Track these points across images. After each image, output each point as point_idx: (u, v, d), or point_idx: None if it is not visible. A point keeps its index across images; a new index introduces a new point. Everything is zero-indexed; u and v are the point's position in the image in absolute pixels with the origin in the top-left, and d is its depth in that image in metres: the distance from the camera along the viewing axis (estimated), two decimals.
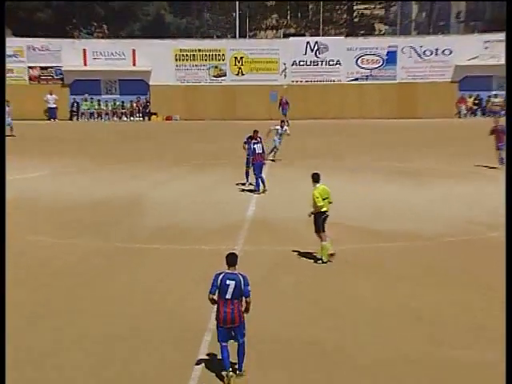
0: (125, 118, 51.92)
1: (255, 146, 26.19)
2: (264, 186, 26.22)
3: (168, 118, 50.75)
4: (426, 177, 29.61)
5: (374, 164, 31.42)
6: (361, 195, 26.50)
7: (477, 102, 50.59)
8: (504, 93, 49.78)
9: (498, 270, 17.94)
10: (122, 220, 23.32)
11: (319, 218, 18.25)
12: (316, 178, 18.40)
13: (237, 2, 60.61)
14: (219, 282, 11.90)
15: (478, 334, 14.55)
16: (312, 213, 18.20)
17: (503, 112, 49.60)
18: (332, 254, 18.22)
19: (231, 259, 12.18)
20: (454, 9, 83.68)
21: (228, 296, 11.86)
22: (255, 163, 26.11)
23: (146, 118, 51.86)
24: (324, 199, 18.19)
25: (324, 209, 18.17)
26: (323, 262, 18.17)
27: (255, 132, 27.08)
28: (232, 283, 11.90)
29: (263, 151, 26.59)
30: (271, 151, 31.60)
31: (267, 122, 46.14)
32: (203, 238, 20.88)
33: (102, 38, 65.53)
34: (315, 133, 43.42)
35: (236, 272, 12.08)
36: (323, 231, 18.27)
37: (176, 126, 48.48)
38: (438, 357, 13.48)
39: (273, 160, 31.77)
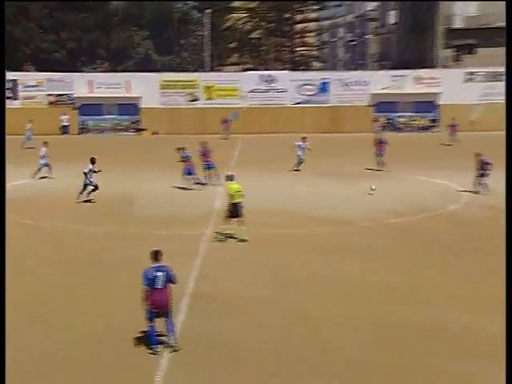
0: (123, 133, 51.58)
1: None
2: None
3: (154, 133, 50.52)
4: (349, 176, 29.82)
5: (314, 167, 31.55)
6: (303, 190, 26.63)
7: (388, 121, 50.92)
8: (407, 114, 50.49)
9: (408, 250, 18.19)
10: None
11: (232, 208, 18.55)
12: (229, 178, 19.22)
13: (208, 44, 60.48)
14: (149, 275, 11.31)
15: (390, 296, 14.67)
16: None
17: (407, 128, 50.20)
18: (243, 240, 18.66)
19: (157, 255, 11.55)
20: (370, 51, 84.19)
21: (159, 286, 11.30)
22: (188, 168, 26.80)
23: (138, 132, 51.59)
24: (237, 193, 18.56)
25: (236, 200, 18.46)
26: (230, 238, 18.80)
27: (203, 143, 28.40)
28: (161, 274, 11.33)
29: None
30: (298, 163, 31.63)
31: (232, 136, 46.30)
32: (180, 225, 20.88)
33: (104, 71, 65.24)
34: (268, 144, 43.52)
35: (162, 264, 11.51)
36: (238, 216, 18.68)
37: (160, 139, 48.32)
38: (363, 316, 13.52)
39: (298, 170, 31.59)
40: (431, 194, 25.85)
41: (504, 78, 49.12)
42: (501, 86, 48.79)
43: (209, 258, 17.30)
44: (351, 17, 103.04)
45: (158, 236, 19.01)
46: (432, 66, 55.78)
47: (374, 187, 25.20)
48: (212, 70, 61.93)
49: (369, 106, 50.45)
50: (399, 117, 50.79)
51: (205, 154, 28.17)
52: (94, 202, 24.25)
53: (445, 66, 55.73)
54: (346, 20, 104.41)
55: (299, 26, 77.93)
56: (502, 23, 56.76)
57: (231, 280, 15.46)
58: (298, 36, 77.70)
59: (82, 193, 24.32)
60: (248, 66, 72.30)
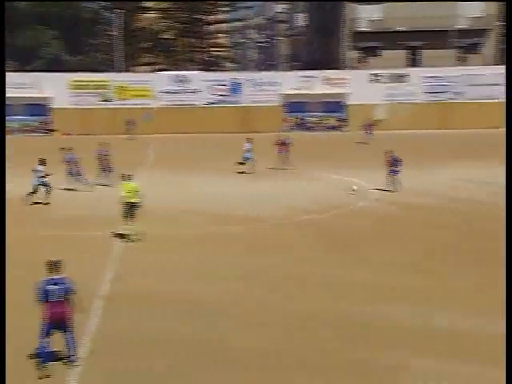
0: (32, 134, 50.40)
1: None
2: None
3: (65, 134, 49.53)
4: (259, 174, 30.12)
5: (226, 167, 31.72)
6: (216, 190, 26.76)
7: (298, 120, 51.64)
8: (317, 113, 51.34)
9: (317, 245, 18.62)
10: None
11: (126, 207, 18.62)
12: (125, 177, 19.26)
13: (119, 44, 59.92)
14: (44, 288, 10.49)
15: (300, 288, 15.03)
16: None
17: (316, 128, 51.00)
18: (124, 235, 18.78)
19: (54, 266, 10.73)
20: (280, 52, 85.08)
21: (55, 298, 10.50)
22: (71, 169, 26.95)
23: (49, 133, 50.54)
24: (132, 192, 18.67)
25: (131, 200, 18.56)
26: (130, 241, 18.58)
27: (102, 144, 28.87)
28: (56, 287, 10.54)
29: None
30: (251, 165, 30.87)
31: (143, 136, 46.02)
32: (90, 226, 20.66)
33: (12, 71, 63.21)
34: (181, 144, 43.50)
35: (60, 276, 10.69)
36: (130, 217, 18.64)
37: (72, 139, 47.37)
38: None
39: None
40: (341, 191, 26.44)
41: (407, 78, 50.98)
42: (403, 87, 50.45)
43: (121, 258, 17.26)
44: (261, 19, 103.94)
45: (69, 237, 18.84)
46: (339, 67, 56.91)
47: (355, 187, 25.71)
48: (124, 70, 61.31)
49: (280, 106, 51.07)
50: (309, 116, 51.62)
51: (102, 155, 28.18)
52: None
53: (351, 67, 56.96)
54: (256, 22, 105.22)
55: (211, 27, 78.01)
56: (403, 27, 58.87)
57: (145, 279, 15.47)
58: (209, 37, 77.78)
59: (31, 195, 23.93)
60: (160, 66, 71.84)
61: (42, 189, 24.16)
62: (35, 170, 24.15)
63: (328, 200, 24.89)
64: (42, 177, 24.08)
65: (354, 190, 25.37)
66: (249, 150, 31.08)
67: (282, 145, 32.34)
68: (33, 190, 24.01)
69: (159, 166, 32.92)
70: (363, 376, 10.74)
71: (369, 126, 43.88)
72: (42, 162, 24.28)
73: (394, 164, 26.00)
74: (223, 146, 41.00)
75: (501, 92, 49.70)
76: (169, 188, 27.13)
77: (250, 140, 31.23)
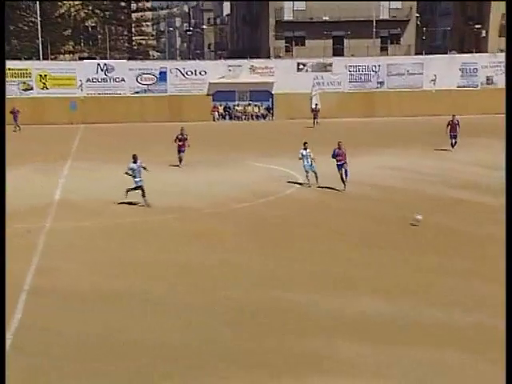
0: None
1: None
2: None
3: None
4: (188, 165, 29.80)
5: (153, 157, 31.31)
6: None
7: (226, 109, 51.45)
8: (244, 102, 51.23)
9: (248, 233, 18.55)
10: None
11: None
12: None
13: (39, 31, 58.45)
14: None
15: (235, 276, 14.94)
16: None
17: (244, 117, 50.94)
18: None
19: None
20: (207, 41, 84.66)
21: None
22: None
23: None
24: None
25: None
26: None
27: None
28: None
29: None
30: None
31: (67, 126, 45.11)
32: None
33: None
34: (107, 134, 42.81)
35: None
36: None
37: None
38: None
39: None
40: (271, 179, 26.42)
41: (331, 68, 51.33)
42: (327, 76, 50.77)
43: (48, 251, 16.84)
44: (187, 7, 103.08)
45: None
46: (265, 56, 56.89)
47: (419, 217, 19.30)
48: (46, 58, 59.71)
49: (207, 95, 50.69)
50: (236, 105, 51.45)
51: None
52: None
53: (277, 57, 57.03)
54: (182, 10, 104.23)
55: (135, 15, 76.88)
56: (327, 17, 59.33)
57: (72, 272, 15.12)
58: (134, 25, 76.65)
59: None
60: (84, 54, 70.40)
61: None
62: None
63: (256, 188, 24.81)
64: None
65: (418, 221, 19.27)
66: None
67: (180, 141, 29.83)
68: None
69: (85, 157, 32.21)
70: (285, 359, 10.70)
71: (315, 113, 44.25)
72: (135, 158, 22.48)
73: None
74: (151, 135, 40.49)
75: (420, 81, 51.04)
76: (95, 179, 26.57)
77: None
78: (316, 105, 46.25)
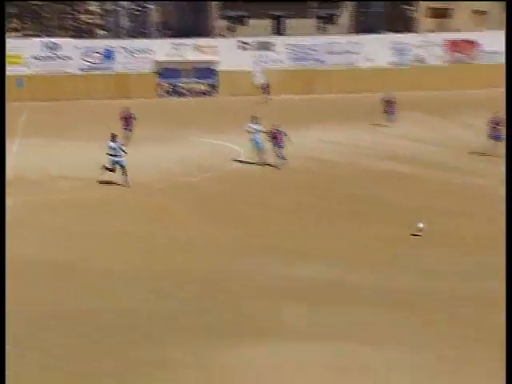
0: None
1: None
2: None
3: None
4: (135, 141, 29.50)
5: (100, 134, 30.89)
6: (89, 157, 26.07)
7: (172, 87, 50.88)
8: (189, 80, 50.75)
9: (194, 207, 18.56)
10: None
11: None
12: None
13: None
14: None
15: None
16: None
17: (189, 93, 50.50)
18: None
19: None
20: (152, 20, 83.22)
21: None
22: None
23: None
24: None
25: None
26: None
27: None
28: None
29: None
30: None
31: (14, 104, 44.09)
32: None
33: None
34: (55, 111, 42.01)
35: None
36: None
37: None
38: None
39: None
40: (216, 155, 26.40)
41: (272, 46, 51.25)
42: (270, 55, 50.68)
43: None
44: None
45: None
46: (210, 35, 56.39)
47: (421, 225, 16.91)
48: None
49: (153, 72, 50.06)
50: (182, 83, 50.94)
51: None
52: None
53: (221, 35, 56.59)
54: None
55: None
56: None
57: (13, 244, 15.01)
58: (80, 3, 75.01)
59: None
60: (30, 32, 68.60)
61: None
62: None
63: (202, 163, 24.77)
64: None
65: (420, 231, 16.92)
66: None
67: (127, 118, 28.89)
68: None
69: (32, 134, 31.57)
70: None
71: (266, 89, 43.94)
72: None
73: (275, 137, 24.54)
74: (98, 113, 39.87)
75: (356, 59, 51.44)
76: (41, 155, 26.13)
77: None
78: (264, 81, 46.11)
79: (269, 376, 9.44)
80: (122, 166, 21.34)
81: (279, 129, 24.65)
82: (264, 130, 24.73)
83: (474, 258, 14.66)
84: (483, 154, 25.54)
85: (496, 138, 25.30)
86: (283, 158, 24.16)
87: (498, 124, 25.36)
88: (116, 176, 21.91)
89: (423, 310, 11.77)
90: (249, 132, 24.95)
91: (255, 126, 24.85)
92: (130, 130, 28.84)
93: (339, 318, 11.35)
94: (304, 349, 10.27)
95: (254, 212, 18.30)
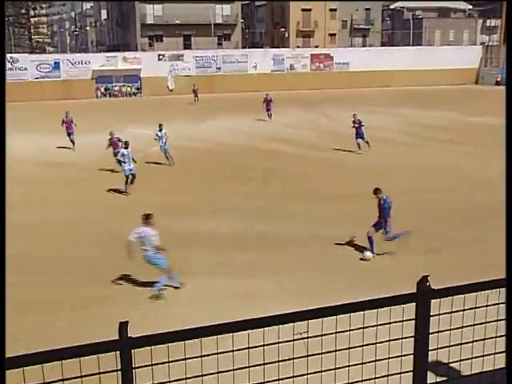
0: None
1: None
2: None
3: None
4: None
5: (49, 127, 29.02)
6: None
7: (106, 89, 48.80)
8: (119, 84, 48.75)
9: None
10: None
11: None
12: None
13: None
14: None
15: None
16: None
17: (120, 95, 48.58)
18: None
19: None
20: (90, 39, 79.60)
21: None
22: None
23: None
24: None
25: None
26: None
27: None
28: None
29: None
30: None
31: None
32: None
33: None
34: (14, 111, 39.14)
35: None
36: None
37: None
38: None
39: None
40: (141, 141, 25.32)
41: (183, 58, 49.96)
42: (180, 64, 49.42)
43: None
44: (73, 13, 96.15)
45: None
46: (135, 50, 54.47)
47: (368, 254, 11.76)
48: None
49: (91, 79, 47.79)
50: (114, 86, 48.90)
51: None
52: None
53: (143, 50, 54.74)
54: (70, 15, 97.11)
55: (34, 19, 70.94)
56: (179, 21, 57.54)
57: None
58: (33, 27, 70.66)
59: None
60: None
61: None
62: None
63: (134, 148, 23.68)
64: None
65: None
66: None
67: (67, 123, 24.57)
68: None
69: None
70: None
71: (195, 92, 41.89)
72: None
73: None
74: (49, 111, 37.59)
75: (246, 67, 50.96)
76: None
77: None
78: (194, 85, 43.54)
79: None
80: (133, 175, 16.87)
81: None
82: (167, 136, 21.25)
83: (331, 206, 14.70)
84: (335, 136, 25.80)
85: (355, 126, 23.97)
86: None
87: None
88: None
89: (292, 247, 11.59)
90: (155, 139, 21.24)
91: (160, 133, 21.04)
92: (72, 134, 24.50)
93: (237, 260, 11.08)
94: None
95: (164, 181, 17.73)
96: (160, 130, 20.85)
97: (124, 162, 16.53)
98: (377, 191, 11.06)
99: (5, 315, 5.79)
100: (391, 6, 72.31)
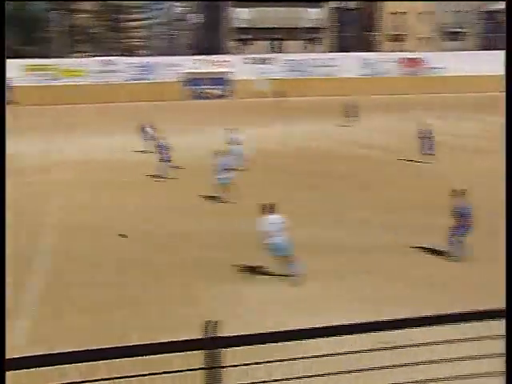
0: None
1: None
2: None
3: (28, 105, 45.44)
4: None
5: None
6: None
7: (195, 92, 50.06)
8: (208, 86, 49.87)
9: None
10: None
11: None
12: None
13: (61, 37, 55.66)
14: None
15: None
16: None
17: (208, 96, 49.59)
18: None
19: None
20: (181, 42, 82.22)
21: None
22: None
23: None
24: None
25: None
26: None
27: None
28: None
29: None
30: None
31: (80, 106, 43.22)
32: None
33: None
34: (111, 112, 41.17)
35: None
36: None
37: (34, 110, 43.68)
38: None
39: None
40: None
41: (271, 61, 50.44)
42: (268, 67, 49.88)
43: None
44: (165, 17, 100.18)
45: None
46: (223, 53, 55.71)
47: None
48: (65, 56, 57.16)
49: (181, 81, 49.33)
50: (203, 89, 50.07)
51: None
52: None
53: (232, 53, 55.87)
54: (162, 19, 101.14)
55: (130, 24, 74.84)
56: (268, 25, 58.16)
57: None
58: (127, 31, 74.60)
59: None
60: (93, 53, 67.86)
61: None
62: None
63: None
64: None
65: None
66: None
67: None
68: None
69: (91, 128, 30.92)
70: None
71: (282, 95, 41.65)
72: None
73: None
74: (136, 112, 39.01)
75: (331, 71, 50.41)
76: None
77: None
78: (281, 89, 43.57)
79: None
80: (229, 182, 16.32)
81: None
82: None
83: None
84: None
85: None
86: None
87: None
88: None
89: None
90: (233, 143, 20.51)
91: (236, 137, 20.60)
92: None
93: None
94: None
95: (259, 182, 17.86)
96: (237, 134, 20.69)
97: (225, 170, 16.08)
98: (458, 196, 10.71)
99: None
100: (486, 9, 69.02)
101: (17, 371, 2.33)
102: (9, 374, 2.36)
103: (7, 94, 44.93)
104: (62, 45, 58.68)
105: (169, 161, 18.74)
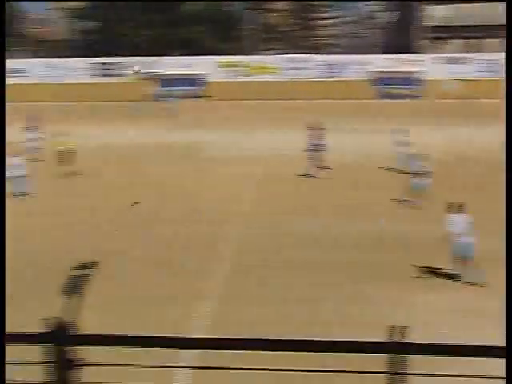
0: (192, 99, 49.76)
1: None
2: None
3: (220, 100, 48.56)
4: None
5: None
6: None
7: (384, 91, 49.03)
8: (396, 86, 48.54)
9: None
10: None
11: None
12: None
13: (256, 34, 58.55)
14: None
15: None
16: None
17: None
18: None
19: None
20: (370, 41, 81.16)
21: None
22: None
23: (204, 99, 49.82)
24: None
25: None
26: None
27: None
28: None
29: None
30: None
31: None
32: None
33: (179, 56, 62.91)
34: (302, 108, 42.18)
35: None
36: None
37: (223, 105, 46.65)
38: None
39: None
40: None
41: (465, 61, 47.41)
42: (461, 68, 47.07)
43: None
44: (355, 16, 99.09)
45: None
46: (414, 52, 53.69)
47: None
48: (258, 54, 60.13)
49: (369, 80, 48.67)
50: (390, 88, 48.62)
51: None
52: None
53: (424, 52, 53.78)
54: (353, 18, 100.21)
55: (321, 22, 76.26)
56: (464, 22, 54.61)
57: None
58: (319, 29, 75.84)
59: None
60: (283, 51, 70.42)
61: None
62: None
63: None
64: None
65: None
66: None
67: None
68: None
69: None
70: None
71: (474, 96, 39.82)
72: None
73: None
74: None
75: None
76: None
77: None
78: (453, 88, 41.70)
79: None
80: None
81: None
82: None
83: None
84: None
85: None
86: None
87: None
88: None
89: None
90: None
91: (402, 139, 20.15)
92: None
93: None
94: None
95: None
96: (406, 135, 19.67)
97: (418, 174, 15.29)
98: None
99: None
100: None
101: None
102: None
103: (202, 89, 48.84)
104: (255, 42, 61.83)
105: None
